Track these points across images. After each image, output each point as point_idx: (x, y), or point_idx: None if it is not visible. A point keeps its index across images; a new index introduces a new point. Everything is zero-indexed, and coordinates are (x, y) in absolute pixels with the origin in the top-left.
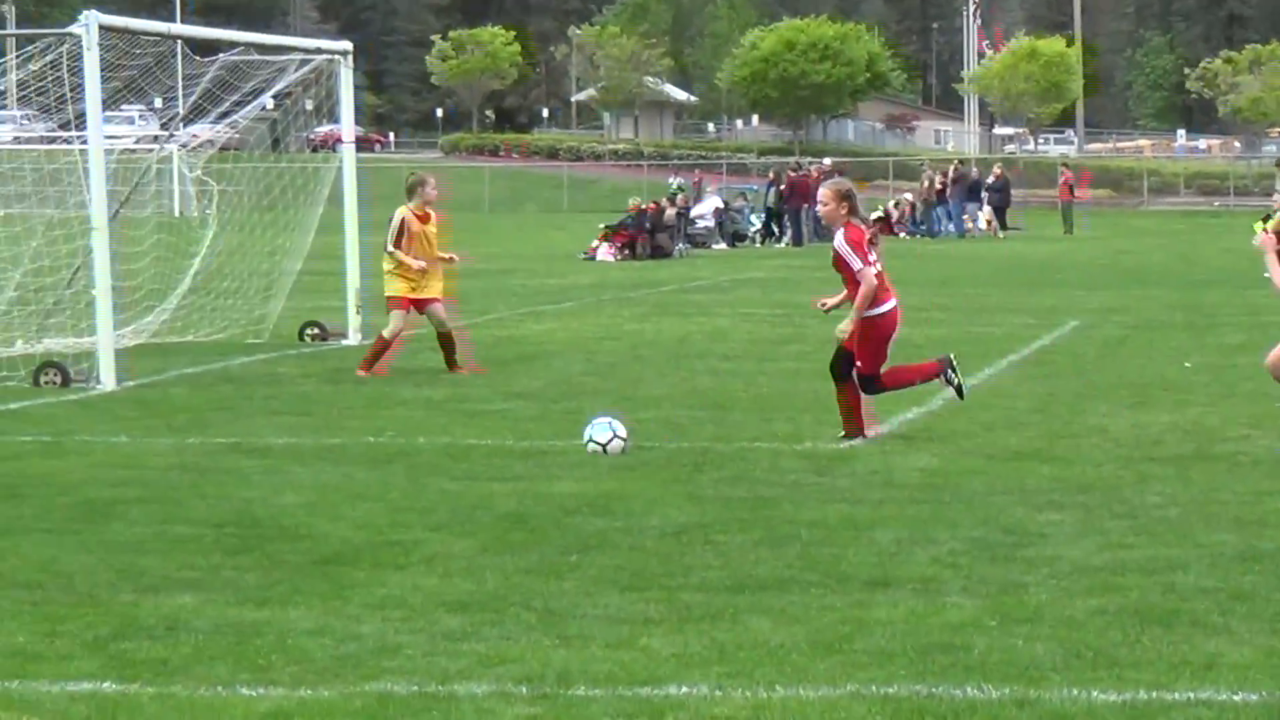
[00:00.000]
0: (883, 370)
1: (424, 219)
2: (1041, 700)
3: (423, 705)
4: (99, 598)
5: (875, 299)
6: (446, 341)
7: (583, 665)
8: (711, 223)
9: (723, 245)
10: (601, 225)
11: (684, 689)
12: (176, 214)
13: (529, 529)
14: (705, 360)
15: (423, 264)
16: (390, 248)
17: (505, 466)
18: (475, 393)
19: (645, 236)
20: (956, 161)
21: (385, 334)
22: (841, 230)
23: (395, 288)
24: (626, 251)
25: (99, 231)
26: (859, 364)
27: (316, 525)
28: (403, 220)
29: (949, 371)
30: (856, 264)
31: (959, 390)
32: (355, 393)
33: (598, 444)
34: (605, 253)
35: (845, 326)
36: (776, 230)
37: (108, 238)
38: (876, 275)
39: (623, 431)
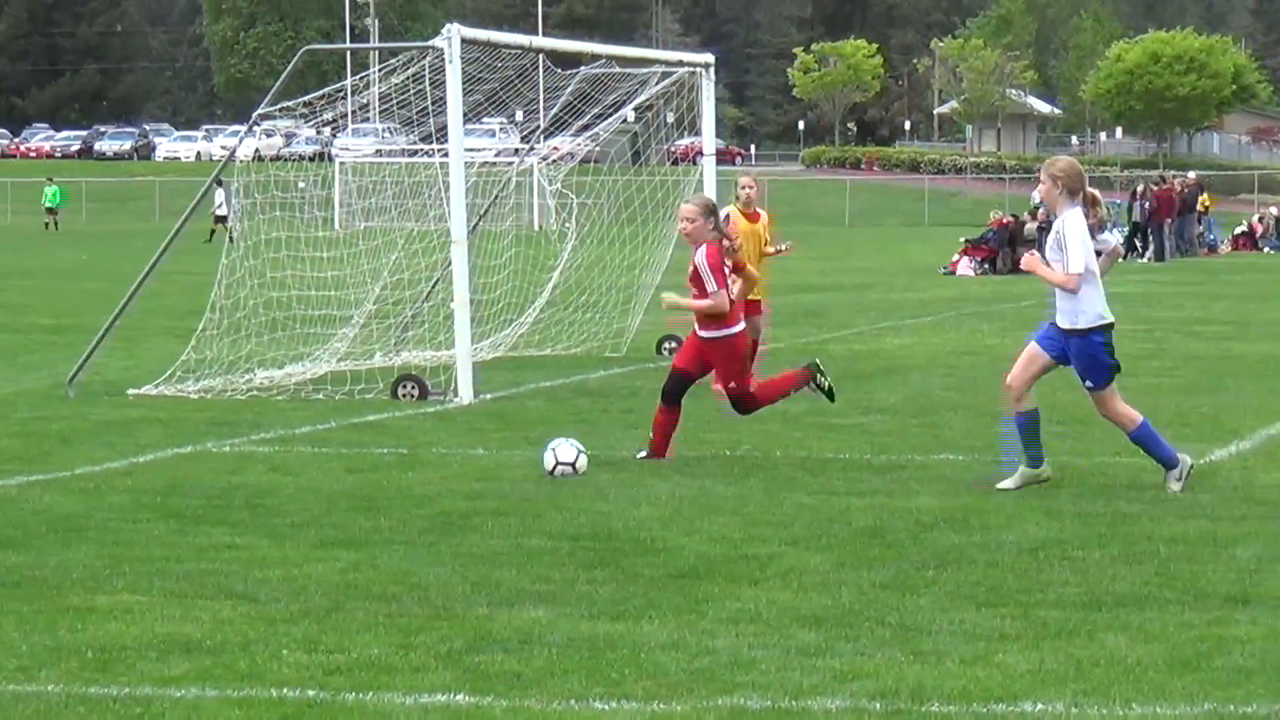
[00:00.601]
0: (752, 388)
1: (752, 218)
2: None
3: None
4: (453, 610)
5: (727, 320)
6: (753, 351)
7: (937, 681)
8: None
9: None
10: (962, 239)
11: (1039, 706)
12: (535, 227)
13: (885, 543)
14: (1066, 375)
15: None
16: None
17: (862, 480)
18: (832, 407)
19: (1006, 251)
20: None
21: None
22: (703, 248)
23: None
24: (986, 266)
25: (458, 245)
26: (730, 385)
27: (671, 539)
28: (728, 217)
29: (818, 376)
30: (711, 285)
31: (829, 394)
32: (712, 406)
33: (566, 464)
34: (965, 267)
35: (670, 298)
36: (1139, 245)
37: (466, 251)
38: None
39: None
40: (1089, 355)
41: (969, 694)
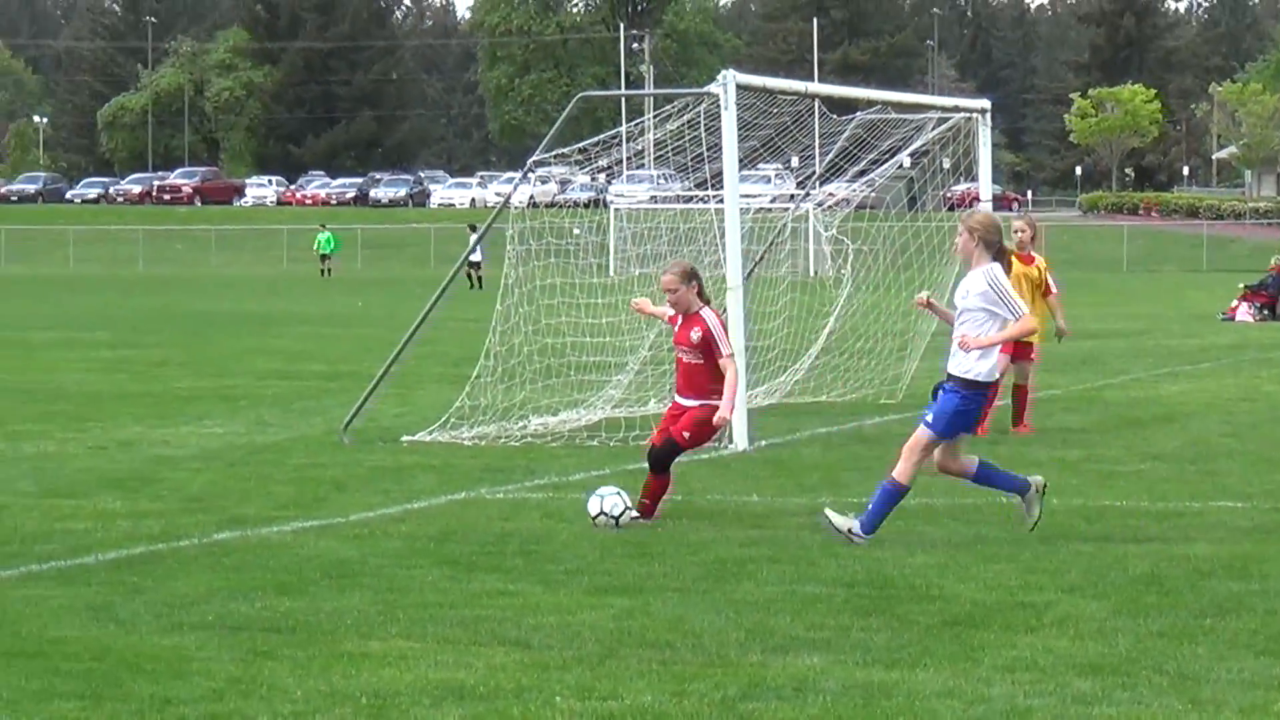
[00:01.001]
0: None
1: (1026, 260)
2: None
3: None
4: (727, 657)
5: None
6: (1022, 396)
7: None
8: None
9: None
10: (1241, 285)
11: None
12: (811, 273)
13: (1163, 591)
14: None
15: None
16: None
17: (1140, 528)
18: (1110, 454)
19: None
20: None
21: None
22: (709, 313)
23: None
24: (1266, 312)
25: (733, 291)
26: (685, 435)
27: (947, 585)
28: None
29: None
30: (727, 349)
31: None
32: (993, 454)
33: (609, 515)
34: (1244, 313)
35: (726, 413)
36: None
37: (742, 297)
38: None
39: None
40: (957, 405)
41: None
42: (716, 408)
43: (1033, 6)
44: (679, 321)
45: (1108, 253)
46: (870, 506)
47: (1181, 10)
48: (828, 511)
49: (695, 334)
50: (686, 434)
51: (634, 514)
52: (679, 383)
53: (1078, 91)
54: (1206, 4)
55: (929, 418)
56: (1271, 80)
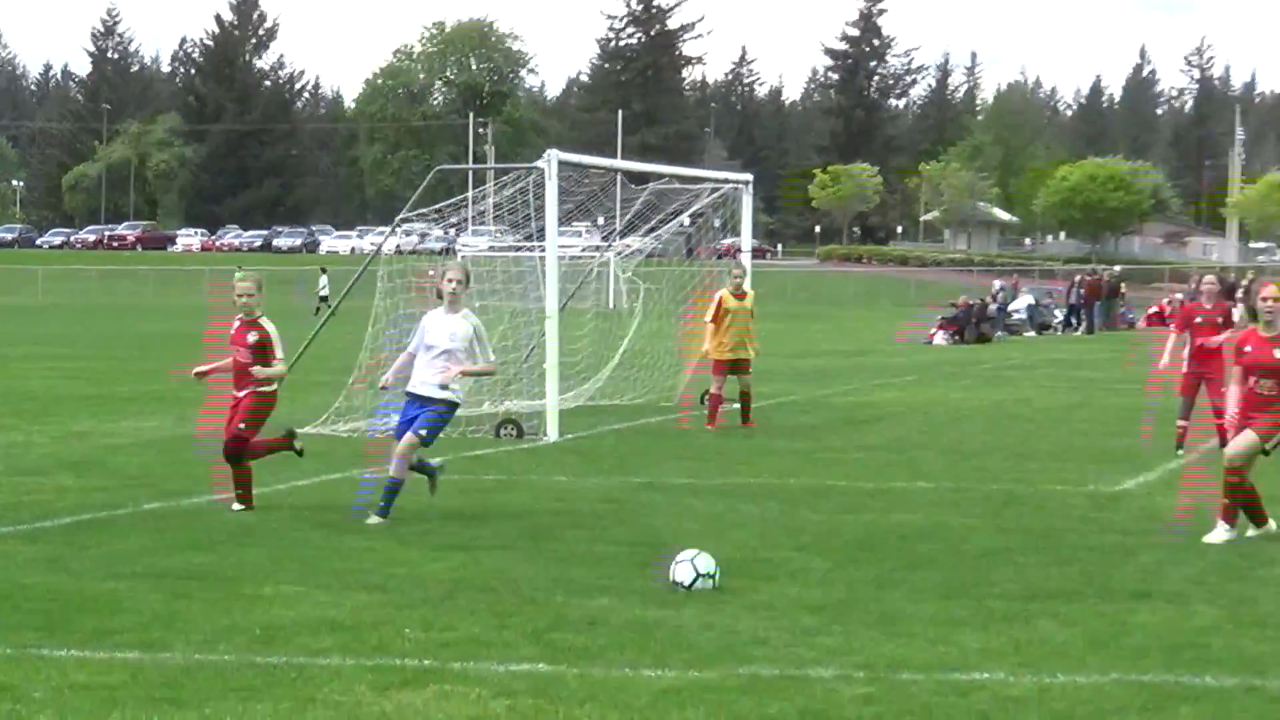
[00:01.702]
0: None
1: (740, 296)
2: (1265, 688)
3: (782, 685)
4: (538, 599)
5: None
6: (747, 400)
7: (908, 656)
8: (1024, 315)
9: (1032, 333)
10: (938, 316)
11: (986, 675)
12: (610, 306)
13: (872, 550)
14: (1014, 421)
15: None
16: (708, 319)
17: (856, 502)
18: (834, 445)
19: (971, 325)
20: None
21: (714, 390)
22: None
23: (716, 353)
24: (957, 337)
25: (551, 319)
26: (245, 429)
27: (706, 546)
28: (719, 298)
29: (294, 441)
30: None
31: (299, 453)
32: (742, 444)
33: (681, 584)
34: (940, 338)
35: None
36: (1075, 321)
37: (557, 324)
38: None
39: (705, 567)
40: (442, 419)
41: (932, 665)
42: (263, 395)
43: (787, 102)
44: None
45: (838, 292)
46: (381, 501)
47: (900, 106)
48: (373, 518)
49: (253, 337)
50: (243, 424)
51: (239, 506)
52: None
53: (819, 168)
54: (920, 101)
55: (422, 431)
56: (966, 161)
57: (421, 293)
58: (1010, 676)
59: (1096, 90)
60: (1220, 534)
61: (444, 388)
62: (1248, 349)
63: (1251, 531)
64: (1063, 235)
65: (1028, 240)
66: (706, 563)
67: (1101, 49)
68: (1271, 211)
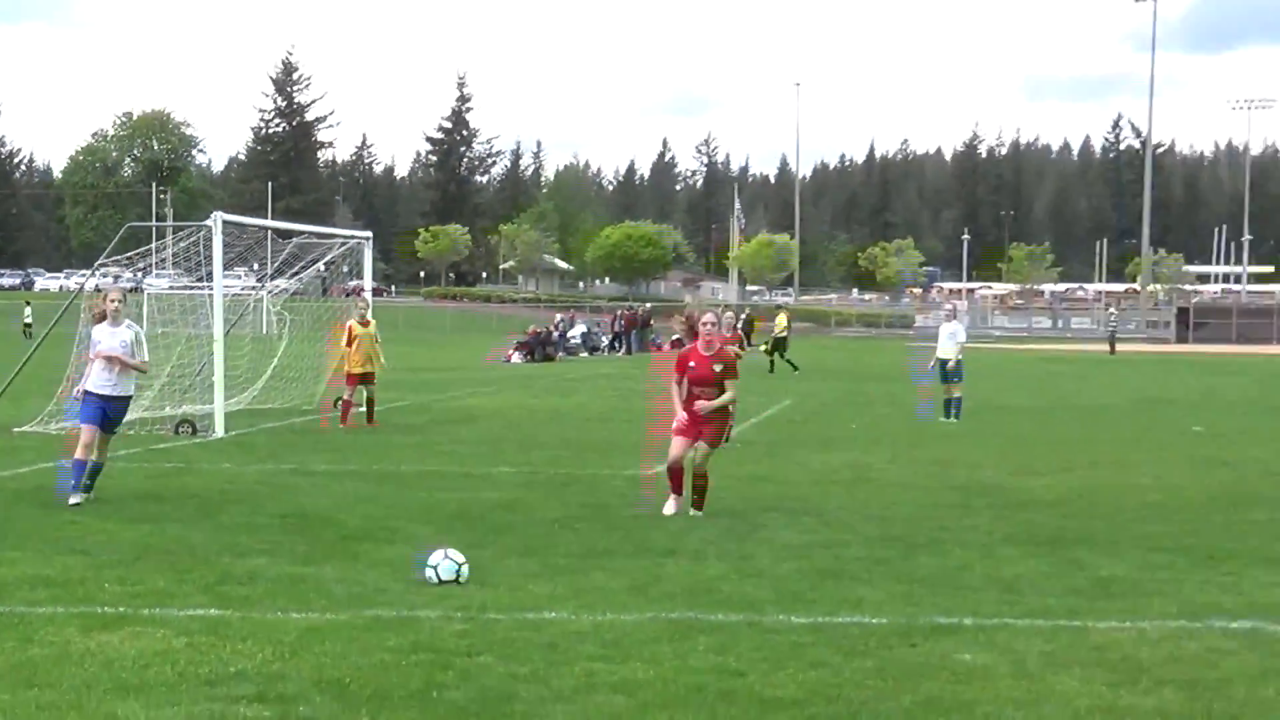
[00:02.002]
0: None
1: (365, 325)
2: (762, 622)
3: (398, 624)
4: (210, 559)
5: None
6: (371, 404)
7: (495, 600)
8: (579, 340)
9: (586, 354)
10: (515, 340)
11: (553, 614)
12: (264, 332)
13: (466, 520)
14: (573, 421)
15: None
16: (343, 343)
17: (454, 483)
18: (436, 439)
19: (540, 348)
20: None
21: (346, 397)
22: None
23: (349, 368)
24: (529, 357)
25: (218, 342)
26: None
27: (340, 517)
28: (350, 326)
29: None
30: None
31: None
32: (369, 439)
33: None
34: (517, 358)
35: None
36: (617, 345)
37: (223, 346)
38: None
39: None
40: (120, 412)
41: (512, 608)
42: None
43: (398, 176)
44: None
45: (439, 323)
46: (86, 480)
47: (484, 180)
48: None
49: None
50: None
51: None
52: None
53: (423, 227)
54: (499, 177)
55: (105, 423)
56: (535, 222)
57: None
58: (572, 615)
59: (631, 170)
60: (670, 507)
61: (115, 385)
62: (691, 364)
63: (692, 511)
64: (607, 280)
65: (581, 283)
66: (451, 565)
67: (635, 139)
68: (761, 263)
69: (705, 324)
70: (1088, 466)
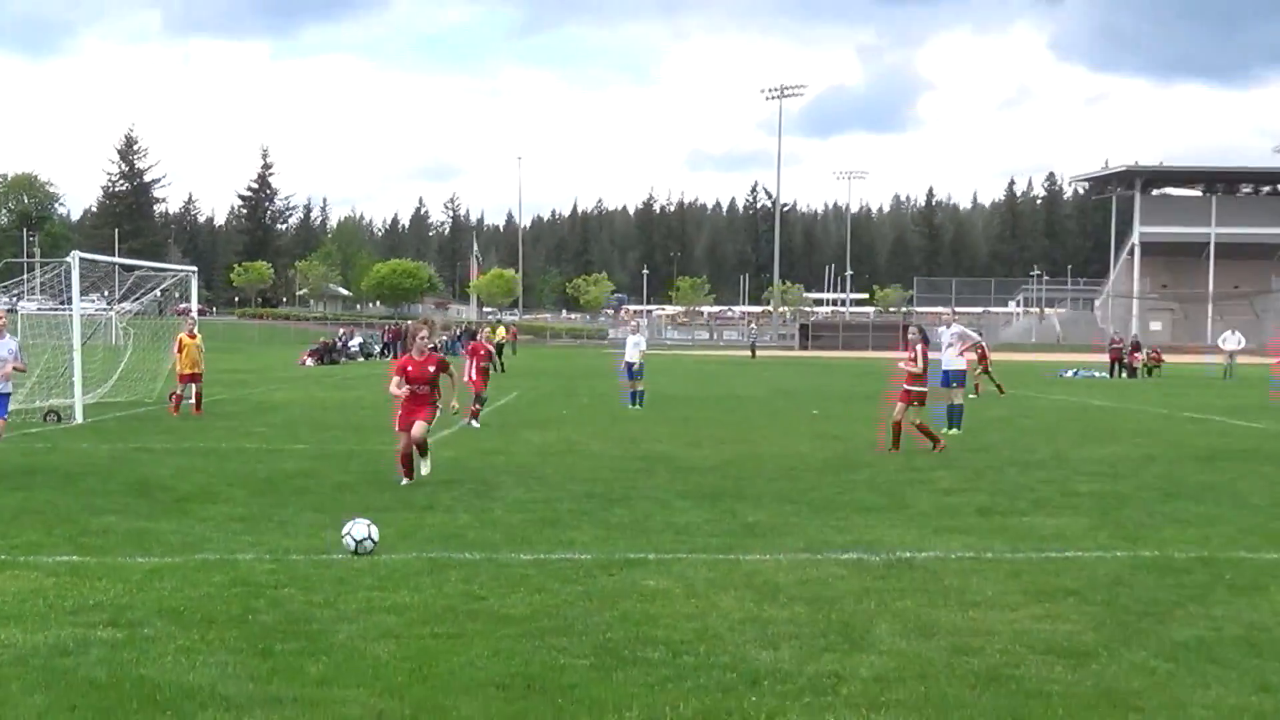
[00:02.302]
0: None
1: (192, 336)
2: (499, 559)
3: (221, 565)
4: (72, 517)
5: None
6: (199, 397)
7: (296, 545)
8: (358, 348)
9: (362, 359)
10: (309, 348)
11: (340, 556)
12: (113, 343)
13: (273, 485)
14: (354, 409)
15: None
16: (175, 352)
17: (263, 457)
18: (249, 424)
19: (329, 354)
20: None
21: (178, 392)
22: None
23: (180, 370)
24: (319, 360)
25: (76, 351)
26: None
27: (175, 483)
28: (180, 337)
29: None
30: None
31: None
32: (196, 424)
33: (355, 539)
34: (309, 362)
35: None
36: (387, 352)
37: (80, 353)
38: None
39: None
40: (3, 403)
41: (310, 550)
42: None
43: (218, 223)
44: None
45: (250, 335)
46: None
47: (284, 228)
48: None
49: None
50: None
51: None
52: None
53: (237, 262)
54: (296, 225)
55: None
56: (324, 260)
57: None
58: (355, 556)
59: (395, 220)
60: (404, 481)
61: (5, 381)
62: (410, 368)
63: (426, 468)
64: (378, 303)
65: (358, 305)
66: (364, 531)
67: (399, 197)
68: (494, 290)
69: (420, 336)
70: (737, 441)
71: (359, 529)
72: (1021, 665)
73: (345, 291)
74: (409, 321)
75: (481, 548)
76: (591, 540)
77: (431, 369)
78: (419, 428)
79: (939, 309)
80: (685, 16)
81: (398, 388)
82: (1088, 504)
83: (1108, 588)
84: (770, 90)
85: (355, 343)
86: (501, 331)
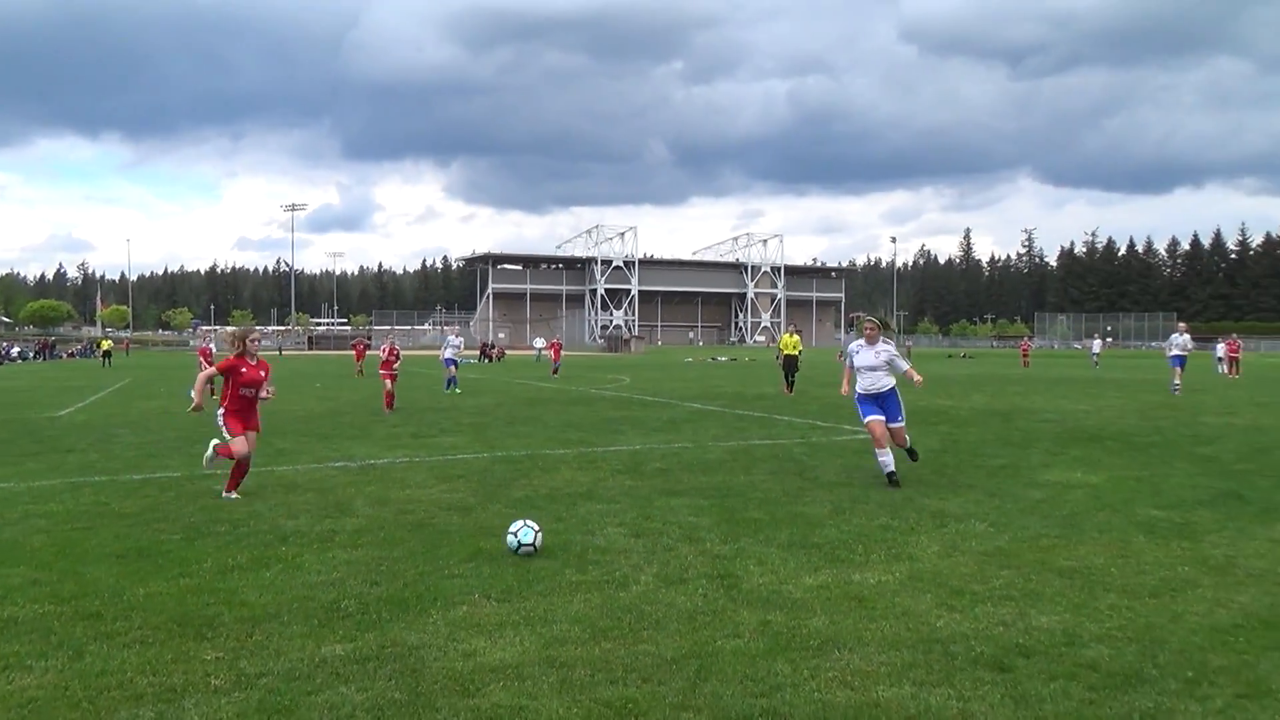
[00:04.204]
0: None
1: (126, 346)
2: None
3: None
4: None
5: None
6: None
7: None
8: (16, 355)
9: (20, 361)
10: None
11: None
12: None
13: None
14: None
15: None
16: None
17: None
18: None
19: None
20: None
21: None
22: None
23: None
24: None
25: None
26: None
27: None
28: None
29: None
30: None
31: None
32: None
33: (524, 543)
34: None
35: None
36: (41, 358)
37: None
38: None
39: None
40: None
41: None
42: None
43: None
44: None
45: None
46: None
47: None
48: None
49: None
50: None
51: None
52: None
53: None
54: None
55: None
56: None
57: None
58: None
59: (44, 277)
60: (234, 495)
61: None
62: (243, 370)
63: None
64: (32, 326)
65: (17, 329)
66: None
67: (46, 262)
68: (114, 318)
69: (251, 340)
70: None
71: (526, 533)
72: (436, 517)
73: (7, 319)
74: (105, 335)
75: (106, 473)
76: (181, 464)
77: (263, 374)
78: (253, 439)
79: None
80: None
81: (209, 385)
82: (468, 428)
83: (479, 473)
84: None
85: (15, 351)
86: (109, 344)
